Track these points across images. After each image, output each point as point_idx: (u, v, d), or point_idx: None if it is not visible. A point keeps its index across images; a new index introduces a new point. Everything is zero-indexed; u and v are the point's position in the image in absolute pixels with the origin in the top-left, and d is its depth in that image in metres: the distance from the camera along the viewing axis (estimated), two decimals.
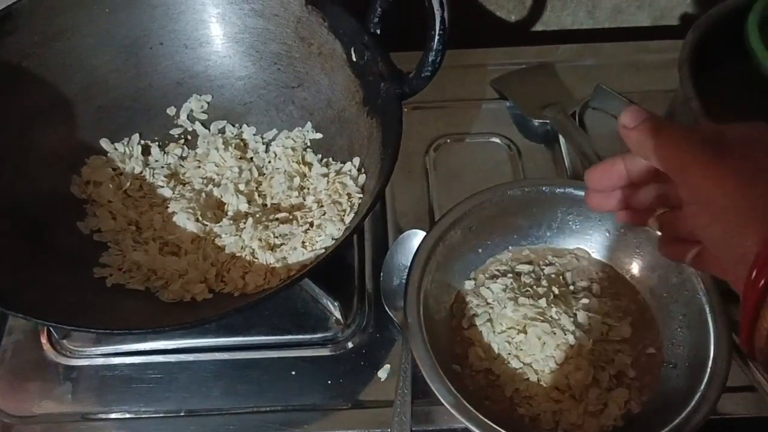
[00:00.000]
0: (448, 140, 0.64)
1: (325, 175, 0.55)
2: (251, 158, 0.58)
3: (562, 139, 0.63)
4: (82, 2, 0.56)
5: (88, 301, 0.48)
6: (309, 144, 0.58)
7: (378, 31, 0.53)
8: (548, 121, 0.63)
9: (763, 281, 0.31)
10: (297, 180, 0.55)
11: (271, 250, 0.51)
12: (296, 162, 0.56)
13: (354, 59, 0.55)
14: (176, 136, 0.60)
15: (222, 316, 0.44)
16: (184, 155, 0.59)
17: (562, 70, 0.69)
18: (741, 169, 0.33)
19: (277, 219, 0.53)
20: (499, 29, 0.77)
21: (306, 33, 0.58)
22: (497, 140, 0.64)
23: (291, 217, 0.53)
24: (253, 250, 0.51)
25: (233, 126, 0.60)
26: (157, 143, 0.59)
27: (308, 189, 0.55)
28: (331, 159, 0.57)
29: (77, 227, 0.53)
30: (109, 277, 0.50)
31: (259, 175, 0.57)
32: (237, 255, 0.51)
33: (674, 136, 0.35)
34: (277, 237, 0.52)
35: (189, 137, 0.60)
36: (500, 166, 0.62)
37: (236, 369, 0.51)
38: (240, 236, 0.52)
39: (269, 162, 0.58)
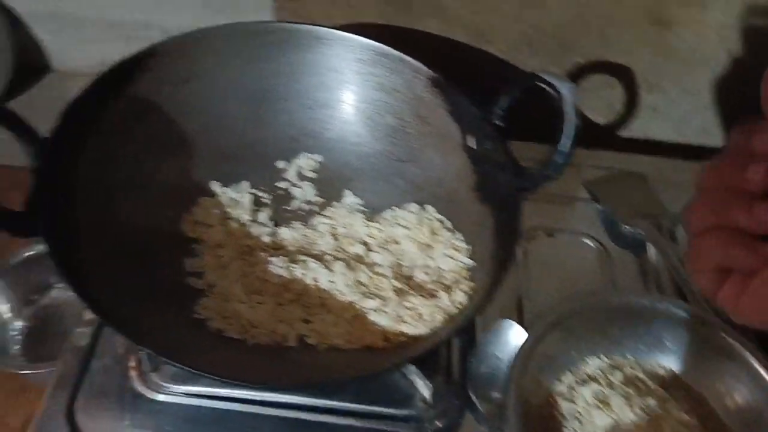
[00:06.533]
0: (540, 233, 0.65)
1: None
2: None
3: (651, 251, 0.64)
4: (219, 51, 0.59)
5: (186, 338, 0.49)
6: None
7: (501, 123, 0.55)
8: (639, 230, 0.64)
9: None
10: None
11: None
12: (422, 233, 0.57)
13: (470, 145, 0.57)
14: (281, 189, 0.62)
15: (311, 385, 0.44)
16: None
17: (652, 180, 0.71)
18: None
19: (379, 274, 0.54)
20: (586, 130, 0.79)
21: (425, 112, 0.60)
22: (588, 241, 0.65)
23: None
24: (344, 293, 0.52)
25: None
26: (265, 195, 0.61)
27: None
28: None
29: (183, 264, 0.55)
30: (210, 321, 0.51)
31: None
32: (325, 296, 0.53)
33: None
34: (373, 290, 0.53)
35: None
36: (590, 267, 0.63)
37: (314, 431, 0.51)
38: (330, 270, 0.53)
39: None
